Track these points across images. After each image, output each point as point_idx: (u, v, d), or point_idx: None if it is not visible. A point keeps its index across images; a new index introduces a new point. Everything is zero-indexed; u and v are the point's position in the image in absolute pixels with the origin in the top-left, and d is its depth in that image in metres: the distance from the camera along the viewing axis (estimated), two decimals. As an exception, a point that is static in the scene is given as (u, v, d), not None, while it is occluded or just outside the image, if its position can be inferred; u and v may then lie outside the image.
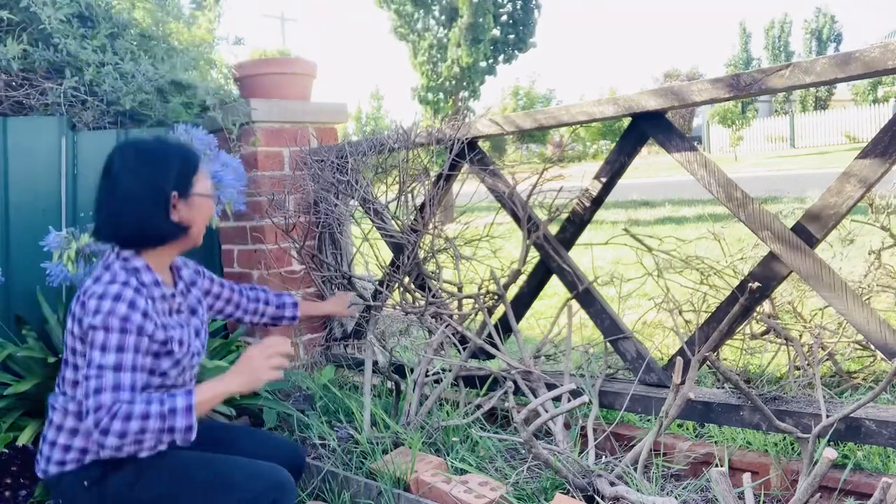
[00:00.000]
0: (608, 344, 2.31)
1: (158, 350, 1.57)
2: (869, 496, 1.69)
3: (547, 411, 2.10)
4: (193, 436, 1.47)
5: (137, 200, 1.56)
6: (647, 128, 2.14)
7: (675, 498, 1.86)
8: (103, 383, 1.43)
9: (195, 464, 1.61)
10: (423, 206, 2.62)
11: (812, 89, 30.01)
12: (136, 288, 1.52)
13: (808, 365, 2.06)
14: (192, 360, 1.69)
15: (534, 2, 12.57)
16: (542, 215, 2.45)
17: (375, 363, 2.52)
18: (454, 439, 2.24)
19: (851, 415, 1.74)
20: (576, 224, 2.37)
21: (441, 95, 12.50)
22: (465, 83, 12.35)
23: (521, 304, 2.55)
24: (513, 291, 2.56)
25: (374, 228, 2.76)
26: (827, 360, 2.48)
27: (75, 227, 2.23)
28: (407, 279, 2.66)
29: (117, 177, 1.58)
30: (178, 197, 1.59)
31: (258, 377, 1.56)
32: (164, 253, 1.65)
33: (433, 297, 2.55)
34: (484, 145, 2.61)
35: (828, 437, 1.77)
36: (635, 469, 1.91)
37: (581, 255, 2.72)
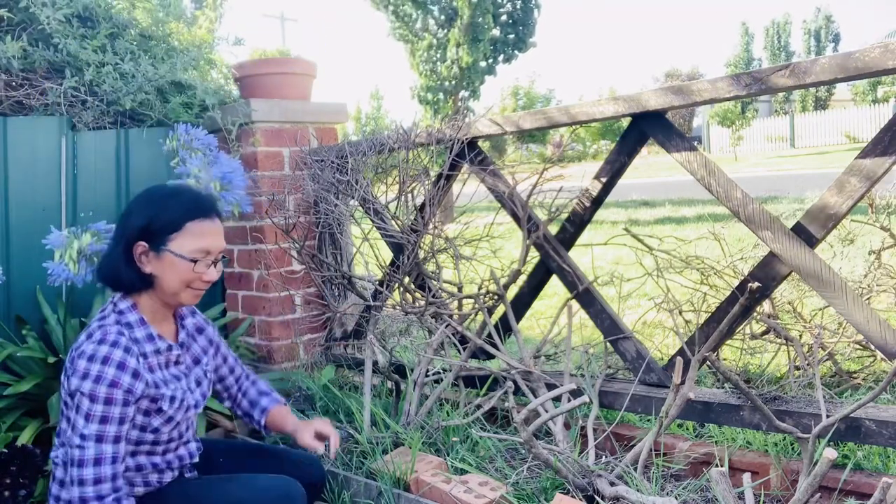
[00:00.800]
0: (608, 344, 2.31)
1: (148, 408, 1.56)
2: (869, 496, 1.69)
3: (547, 411, 2.10)
4: None
5: (112, 241, 1.61)
6: (647, 128, 2.14)
7: (675, 498, 1.86)
8: (85, 456, 1.45)
9: (202, 491, 1.64)
10: (423, 206, 2.62)
11: (812, 89, 30.01)
12: (126, 347, 1.50)
13: (808, 365, 2.06)
14: (186, 414, 1.65)
15: (534, 1, 12.57)
16: (542, 215, 2.45)
17: (375, 363, 2.52)
18: (454, 439, 2.24)
19: (851, 415, 1.74)
20: (576, 224, 2.37)
21: (441, 95, 12.49)
22: (464, 83, 12.34)
23: (521, 304, 2.55)
24: (513, 291, 2.56)
25: (374, 228, 2.76)
26: (827, 360, 2.48)
27: (76, 226, 2.22)
28: (407, 279, 2.66)
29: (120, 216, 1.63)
30: (149, 248, 1.55)
31: None
32: (156, 302, 1.61)
33: (433, 297, 2.55)
34: (484, 145, 2.61)
35: (828, 437, 1.77)
36: (635, 469, 1.91)
37: (581, 255, 2.72)
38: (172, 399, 1.59)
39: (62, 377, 1.55)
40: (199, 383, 1.72)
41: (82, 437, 1.45)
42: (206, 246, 1.58)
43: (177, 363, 1.66)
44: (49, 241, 2.16)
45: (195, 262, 1.57)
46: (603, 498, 1.80)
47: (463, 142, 2.52)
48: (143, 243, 1.55)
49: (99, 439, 1.45)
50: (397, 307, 2.63)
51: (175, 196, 1.60)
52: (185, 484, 1.69)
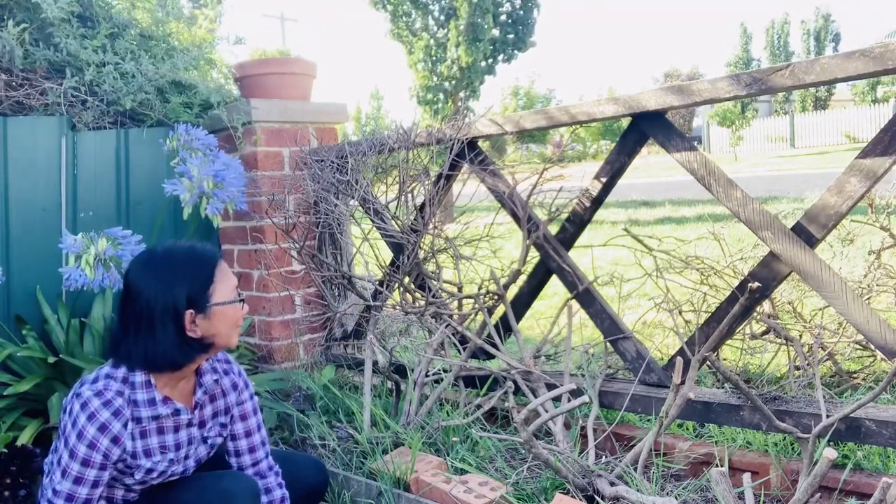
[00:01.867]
0: (608, 344, 2.31)
1: (124, 469, 1.55)
2: (869, 496, 1.69)
3: (547, 411, 2.10)
4: None
5: (149, 323, 1.49)
6: (647, 128, 2.14)
7: (675, 498, 1.86)
8: None
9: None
10: (423, 206, 2.62)
11: (812, 89, 30.01)
12: (117, 410, 1.48)
13: (808, 365, 2.06)
14: (170, 478, 1.63)
15: (533, 1, 12.56)
16: (542, 215, 2.45)
17: (375, 363, 2.52)
18: (454, 439, 2.24)
19: (851, 415, 1.74)
20: (576, 224, 2.37)
21: (440, 95, 12.49)
22: (464, 83, 12.33)
23: (521, 304, 2.55)
24: (513, 291, 2.56)
25: (374, 228, 2.76)
26: (827, 360, 2.48)
27: (92, 231, 2.21)
28: (407, 279, 2.66)
29: (129, 297, 1.52)
30: (196, 313, 1.50)
31: None
32: (181, 370, 1.57)
33: (433, 297, 2.55)
34: (484, 145, 2.61)
35: (828, 437, 1.77)
36: (635, 469, 1.92)
37: (581, 255, 2.72)
38: (150, 471, 1.57)
39: (65, 400, 1.55)
40: (196, 448, 1.66)
41: (55, 492, 1.47)
42: (234, 282, 1.59)
43: (188, 426, 1.62)
44: (64, 246, 2.14)
45: (242, 301, 1.59)
46: (603, 498, 1.80)
47: (463, 142, 2.52)
48: (191, 311, 1.50)
49: (69, 499, 1.47)
50: (397, 307, 2.63)
51: (184, 254, 1.55)
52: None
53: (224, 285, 1.55)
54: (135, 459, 1.54)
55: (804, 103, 31.97)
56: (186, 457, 1.64)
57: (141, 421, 1.53)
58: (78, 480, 1.47)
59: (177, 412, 1.58)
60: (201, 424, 1.65)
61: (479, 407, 2.38)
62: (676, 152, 2.07)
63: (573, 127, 2.42)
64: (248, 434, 1.73)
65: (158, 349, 1.49)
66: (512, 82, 27.17)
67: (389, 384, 2.67)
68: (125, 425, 1.50)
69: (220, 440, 1.71)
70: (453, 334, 2.50)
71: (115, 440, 1.48)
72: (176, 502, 1.61)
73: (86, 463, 1.47)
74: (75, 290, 2.14)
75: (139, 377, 1.53)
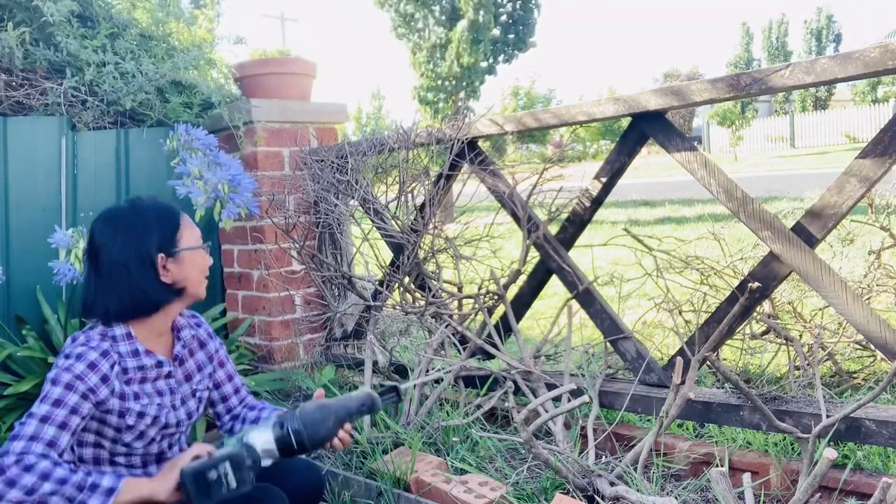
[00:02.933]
0: (608, 344, 2.31)
1: (118, 424, 1.52)
2: (869, 496, 1.69)
3: (547, 411, 2.10)
4: None
5: (123, 270, 1.53)
6: (647, 128, 2.14)
7: (675, 498, 1.86)
8: (22, 431, 1.38)
9: None
10: (423, 206, 2.62)
11: (812, 89, 30.00)
12: (104, 352, 1.50)
13: (808, 365, 2.06)
14: (165, 431, 1.61)
15: (534, 1, 12.57)
16: (542, 215, 2.45)
17: (375, 363, 2.52)
18: (454, 439, 2.24)
19: (851, 415, 1.74)
20: (576, 224, 2.37)
21: (441, 95, 12.49)
22: (464, 83, 12.34)
23: (521, 304, 2.55)
24: (513, 291, 2.56)
25: (374, 228, 2.76)
26: (827, 360, 2.48)
27: (81, 225, 2.23)
28: (407, 279, 2.66)
29: (99, 251, 1.55)
30: (166, 257, 1.56)
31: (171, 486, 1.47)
32: (159, 318, 1.59)
33: (433, 297, 2.55)
34: (484, 145, 2.61)
35: (828, 437, 1.77)
36: (635, 469, 1.91)
37: (581, 255, 2.72)
38: (141, 415, 1.55)
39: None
40: (184, 402, 1.66)
41: (29, 415, 1.40)
42: (198, 232, 1.65)
43: (167, 377, 1.62)
44: (54, 241, 2.16)
45: (207, 248, 1.65)
46: (603, 498, 1.80)
47: (463, 142, 2.52)
48: (162, 255, 1.55)
49: (44, 419, 1.39)
50: (397, 307, 2.63)
51: (148, 206, 1.60)
52: None
53: (189, 231, 1.62)
54: (124, 402, 1.52)
55: (804, 103, 31.96)
56: (174, 406, 1.62)
57: (127, 371, 1.55)
58: (58, 403, 1.41)
59: (160, 364, 1.60)
60: (188, 378, 1.69)
61: (479, 407, 2.38)
62: (676, 152, 2.07)
63: (573, 127, 2.42)
64: (230, 378, 1.82)
65: (136, 292, 1.53)
66: (512, 82, 27.11)
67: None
68: (112, 366, 1.51)
69: (207, 393, 1.75)
70: (453, 334, 2.50)
71: (105, 379, 1.48)
72: None
73: (69, 387, 1.43)
74: (67, 284, 2.16)
75: (119, 330, 1.55)
